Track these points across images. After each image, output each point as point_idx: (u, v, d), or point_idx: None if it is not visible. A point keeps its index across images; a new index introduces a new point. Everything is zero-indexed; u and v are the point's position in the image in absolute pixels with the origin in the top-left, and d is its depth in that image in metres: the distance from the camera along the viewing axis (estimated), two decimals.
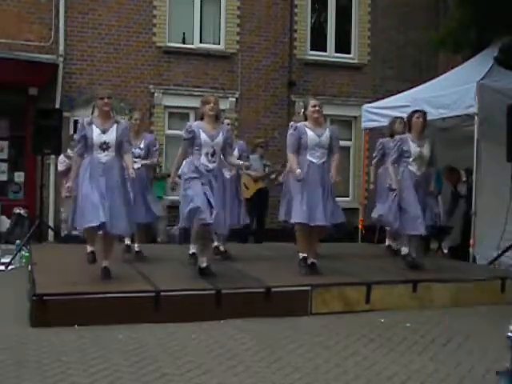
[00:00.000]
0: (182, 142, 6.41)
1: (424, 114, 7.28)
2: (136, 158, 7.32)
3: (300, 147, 6.55)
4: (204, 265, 6.22)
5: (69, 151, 9.65)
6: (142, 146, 7.46)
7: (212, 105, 6.25)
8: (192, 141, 6.21)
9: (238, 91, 12.72)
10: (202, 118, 6.35)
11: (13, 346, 4.68)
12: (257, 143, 10.42)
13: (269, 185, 10.26)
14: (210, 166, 6.17)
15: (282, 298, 5.87)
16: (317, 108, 6.61)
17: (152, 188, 7.81)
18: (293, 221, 6.54)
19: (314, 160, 6.52)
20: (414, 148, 7.09)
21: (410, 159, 7.09)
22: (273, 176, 10.17)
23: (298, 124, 6.66)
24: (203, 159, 6.16)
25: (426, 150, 7.14)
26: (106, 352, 4.57)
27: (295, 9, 13.17)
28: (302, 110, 6.83)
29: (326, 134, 6.61)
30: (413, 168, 7.10)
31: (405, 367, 4.46)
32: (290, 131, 6.65)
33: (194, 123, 6.45)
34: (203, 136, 6.17)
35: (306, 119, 6.68)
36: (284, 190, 7.17)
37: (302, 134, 6.55)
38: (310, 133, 6.54)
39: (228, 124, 7.35)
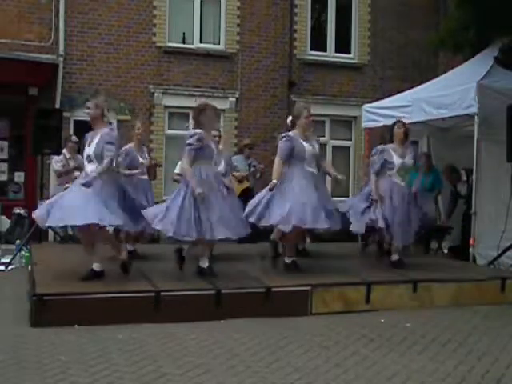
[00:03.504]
0: (188, 149, 6.08)
1: (404, 124, 7.32)
2: (145, 169, 7.49)
3: (295, 157, 6.55)
4: (206, 265, 6.24)
5: (64, 151, 9.65)
6: (146, 156, 7.68)
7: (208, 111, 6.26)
8: (200, 149, 6.10)
9: (238, 91, 12.72)
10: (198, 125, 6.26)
11: (13, 346, 4.68)
12: (244, 144, 10.40)
13: (254, 184, 10.24)
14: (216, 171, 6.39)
15: (282, 297, 5.87)
16: (310, 119, 6.67)
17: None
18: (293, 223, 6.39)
19: (312, 170, 6.60)
20: (396, 159, 7.13)
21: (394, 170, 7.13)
22: (258, 175, 10.15)
23: (290, 133, 6.64)
24: (213, 167, 6.26)
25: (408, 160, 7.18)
26: (105, 352, 4.57)
27: (295, 9, 13.17)
28: (290, 118, 6.84)
29: (317, 144, 6.69)
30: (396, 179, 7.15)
31: (405, 367, 4.46)
32: (284, 139, 6.59)
33: (200, 131, 6.16)
34: (213, 145, 6.24)
35: (293, 126, 6.70)
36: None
37: (297, 144, 6.54)
38: (305, 144, 6.58)
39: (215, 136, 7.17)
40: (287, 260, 6.74)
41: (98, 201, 5.71)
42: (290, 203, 6.32)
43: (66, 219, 5.72)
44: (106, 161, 5.86)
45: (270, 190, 6.47)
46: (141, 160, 7.49)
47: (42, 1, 11.51)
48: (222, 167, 7.31)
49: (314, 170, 6.62)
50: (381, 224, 7.09)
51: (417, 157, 7.28)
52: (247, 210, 6.66)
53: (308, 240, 8.05)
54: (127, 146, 7.54)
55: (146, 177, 7.60)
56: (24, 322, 5.31)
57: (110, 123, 6.19)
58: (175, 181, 8.47)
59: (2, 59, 10.59)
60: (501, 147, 7.97)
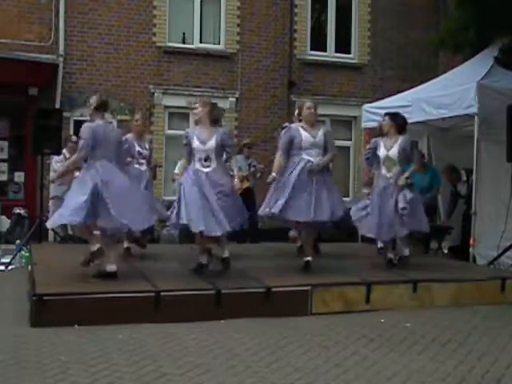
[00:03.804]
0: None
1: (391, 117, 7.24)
2: (143, 159, 7.36)
3: (293, 147, 6.66)
4: (205, 261, 6.30)
5: (64, 151, 9.64)
6: (147, 146, 7.50)
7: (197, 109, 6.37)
8: (189, 146, 6.31)
9: (238, 91, 12.73)
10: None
11: (13, 346, 4.68)
12: (244, 144, 10.41)
13: (254, 184, 10.24)
14: (205, 170, 6.22)
15: (282, 297, 5.86)
16: (312, 110, 6.76)
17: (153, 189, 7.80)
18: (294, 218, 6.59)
19: (311, 158, 6.62)
20: (382, 151, 7.10)
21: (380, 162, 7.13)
22: (258, 175, 10.15)
23: (292, 125, 6.81)
24: (197, 164, 6.25)
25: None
26: (105, 352, 4.57)
27: (295, 9, 13.18)
28: (297, 111, 7.00)
29: (320, 134, 6.73)
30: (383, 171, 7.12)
31: (405, 367, 4.46)
32: (284, 130, 6.81)
33: (189, 129, 6.56)
34: (195, 142, 6.27)
35: (300, 120, 6.84)
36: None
37: (295, 134, 6.66)
38: (304, 133, 6.67)
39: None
40: (306, 258, 6.79)
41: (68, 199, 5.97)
42: (285, 198, 6.44)
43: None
44: (73, 156, 6.23)
45: (269, 183, 6.59)
46: (138, 149, 7.36)
47: (42, 1, 11.52)
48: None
49: (313, 159, 6.62)
50: (352, 214, 7.23)
51: (407, 148, 7.15)
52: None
53: None
54: (126, 136, 7.50)
55: (143, 167, 7.39)
56: (24, 322, 5.30)
57: (101, 118, 6.18)
58: (175, 181, 8.47)
59: (2, 59, 10.60)
60: (501, 147, 7.97)
